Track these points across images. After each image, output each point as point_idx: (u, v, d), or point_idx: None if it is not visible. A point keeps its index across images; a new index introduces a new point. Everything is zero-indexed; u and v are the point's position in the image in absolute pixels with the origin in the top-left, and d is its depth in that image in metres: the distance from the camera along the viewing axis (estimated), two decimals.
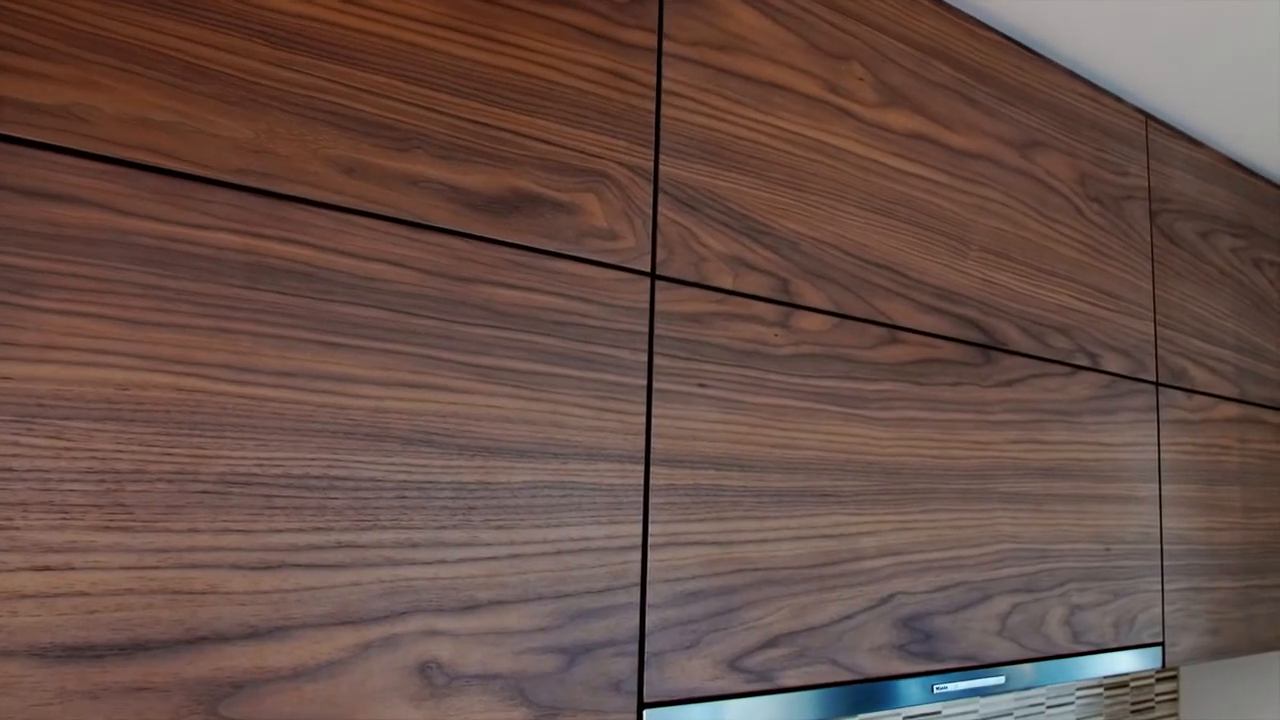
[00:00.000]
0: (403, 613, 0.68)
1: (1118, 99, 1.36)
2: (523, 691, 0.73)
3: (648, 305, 0.82)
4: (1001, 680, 1.08)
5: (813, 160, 0.97)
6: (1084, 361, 1.25)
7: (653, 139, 0.85)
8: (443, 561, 0.70)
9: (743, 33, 0.93)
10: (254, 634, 0.62)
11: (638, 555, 0.80)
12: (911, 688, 0.99)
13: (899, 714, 1.41)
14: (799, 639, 0.90)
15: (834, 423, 0.95)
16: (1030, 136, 1.21)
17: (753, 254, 0.91)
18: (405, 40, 0.72)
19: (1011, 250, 1.17)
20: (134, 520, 0.59)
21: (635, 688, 0.79)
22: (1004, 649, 1.09)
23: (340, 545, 0.66)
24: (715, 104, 0.90)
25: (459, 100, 0.74)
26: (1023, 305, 1.18)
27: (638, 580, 0.79)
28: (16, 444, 0.56)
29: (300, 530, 0.64)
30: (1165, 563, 1.33)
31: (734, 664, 0.85)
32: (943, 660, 1.02)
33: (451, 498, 0.71)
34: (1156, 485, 1.34)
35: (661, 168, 0.85)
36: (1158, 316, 1.38)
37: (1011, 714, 1.59)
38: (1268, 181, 1.69)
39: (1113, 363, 1.29)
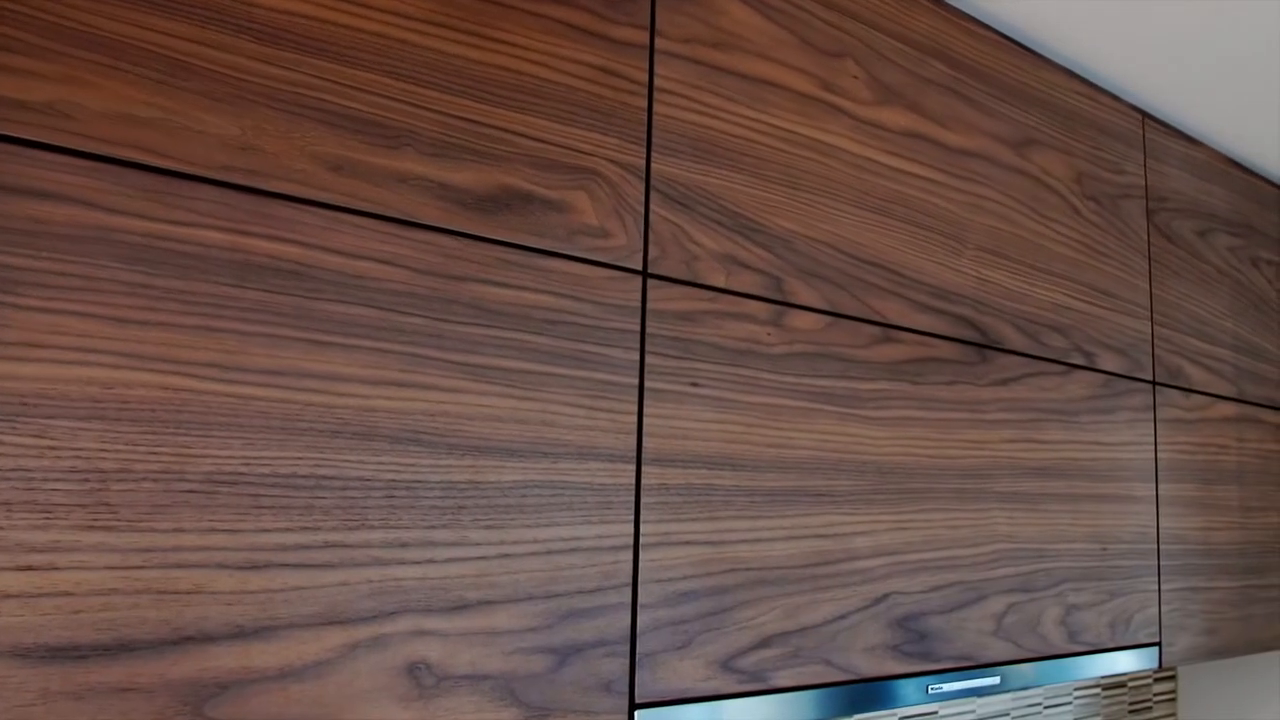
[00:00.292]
0: (391, 613, 0.67)
1: (1114, 97, 1.36)
2: (513, 692, 0.72)
3: (639, 304, 0.82)
4: (997, 680, 1.07)
5: (806, 158, 0.96)
6: (1080, 361, 1.25)
7: (644, 136, 0.84)
8: (432, 561, 0.69)
9: (736, 30, 0.92)
10: (240, 634, 0.62)
11: (629, 555, 0.79)
12: (906, 688, 0.99)
13: (895, 714, 1.41)
14: (792, 639, 0.89)
15: (828, 422, 0.95)
16: (1026, 135, 1.21)
17: (746, 252, 0.90)
18: (394, 37, 0.71)
19: (1007, 249, 1.16)
20: (119, 520, 0.58)
21: (627, 688, 0.78)
22: (999, 649, 1.08)
23: (328, 545, 0.65)
24: (708, 101, 0.89)
25: (448, 97, 0.73)
26: (1018, 304, 1.17)
27: (629, 580, 0.79)
28: (0, 443, 0.55)
29: (287, 530, 0.64)
30: (1162, 562, 1.33)
31: (727, 664, 0.84)
32: (938, 660, 1.02)
33: (440, 497, 0.70)
34: (1153, 485, 1.33)
35: (653, 165, 0.84)
36: (1155, 315, 1.38)
37: (1009, 714, 1.58)
38: (1265, 180, 1.69)
39: (1109, 362, 1.29)
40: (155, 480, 0.60)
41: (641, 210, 0.83)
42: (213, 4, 0.64)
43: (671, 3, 0.88)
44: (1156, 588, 1.31)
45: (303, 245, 0.66)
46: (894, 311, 1.03)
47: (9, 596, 0.55)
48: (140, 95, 0.61)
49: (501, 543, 0.73)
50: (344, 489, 0.66)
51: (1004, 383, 1.14)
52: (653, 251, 0.84)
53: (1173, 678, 1.94)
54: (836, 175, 0.99)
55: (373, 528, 0.67)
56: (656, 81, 0.86)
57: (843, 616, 0.93)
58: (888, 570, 0.98)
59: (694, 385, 0.85)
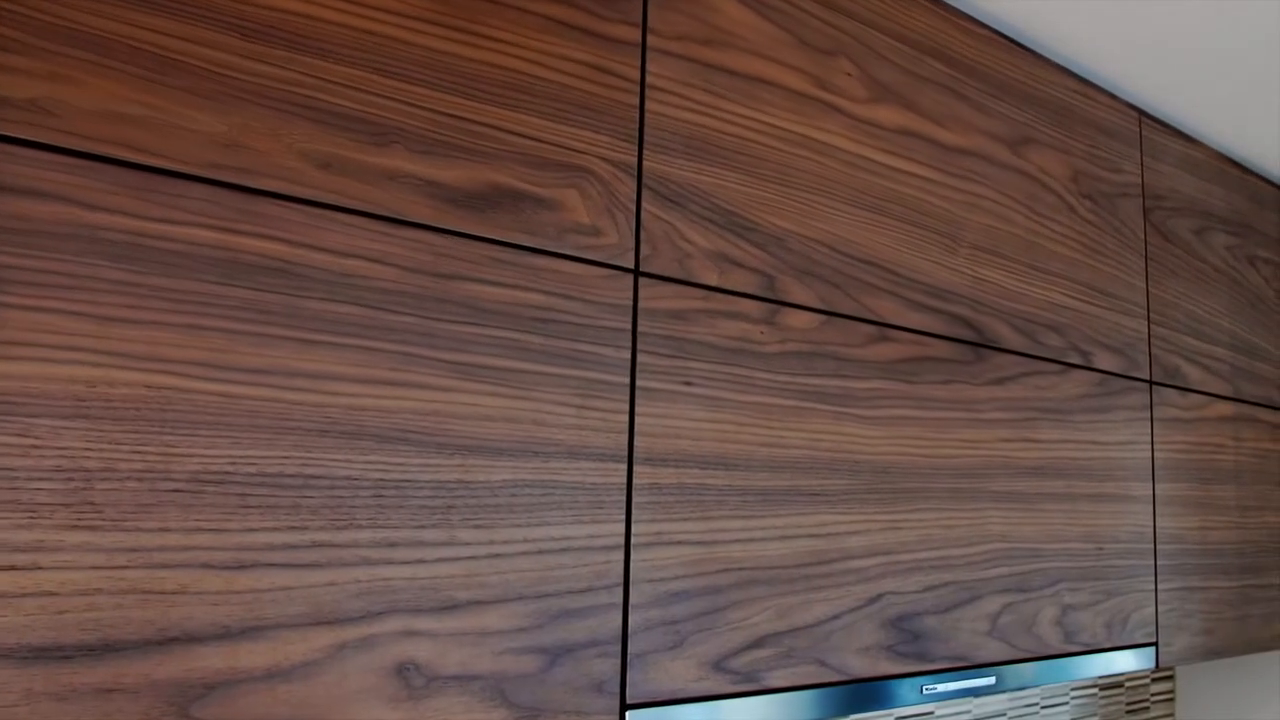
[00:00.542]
0: (380, 613, 0.67)
1: (1112, 96, 1.36)
2: (503, 692, 0.72)
3: (631, 302, 0.82)
4: (992, 681, 1.07)
5: (800, 156, 0.96)
6: (1076, 359, 1.24)
7: (636, 134, 0.84)
8: (421, 561, 0.69)
9: (729, 27, 0.92)
10: (227, 634, 0.61)
11: (620, 555, 0.79)
12: (901, 688, 0.98)
13: (890, 714, 1.40)
14: (785, 639, 0.89)
15: (822, 421, 0.94)
16: (1022, 133, 1.20)
17: (739, 250, 0.90)
18: (384, 34, 0.71)
19: (1003, 247, 1.16)
20: (103, 519, 0.58)
21: (618, 688, 0.78)
22: (995, 649, 1.08)
23: (316, 544, 0.65)
24: (700, 99, 0.89)
25: (438, 94, 0.73)
26: (1014, 303, 1.17)
27: (620, 580, 0.79)
28: None
29: (275, 529, 0.63)
30: (1159, 562, 1.33)
31: (719, 665, 0.84)
32: (932, 661, 1.01)
33: (430, 496, 0.70)
34: (1150, 484, 1.33)
35: (645, 163, 0.84)
36: (1151, 314, 1.37)
37: (1005, 714, 1.58)
38: (1263, 179, 1.68)
39: (1106, 361, 1.29)
40: (140, 479, 0.59)
41: (633, 208, 0.83)
42: (201, 0, 0.64)
43: (664, 0, 0.87)
44: (1153, 587, 1.31)
45: (291, 243, 0.66)
46: (889, 310, 1.02)
47: None
48: (127, 92, 0.61)
49: (491, 542, 0.72)
50: (332, 488, 0.66)
51: (1000, 382, 1.13)
52: (645, 250, 0.83)
53: (1170, 678, 1.93)
54: (831, 173, 0.98)
55: (361, 527, 0.67)
56: (649, 79, 0.85)
57: (836, 617, 0.93)
58: (882, 570, 0.97)
59: (686, 384, 0.85)
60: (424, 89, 0.72)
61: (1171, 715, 1.92)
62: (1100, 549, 1.23)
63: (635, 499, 0.80)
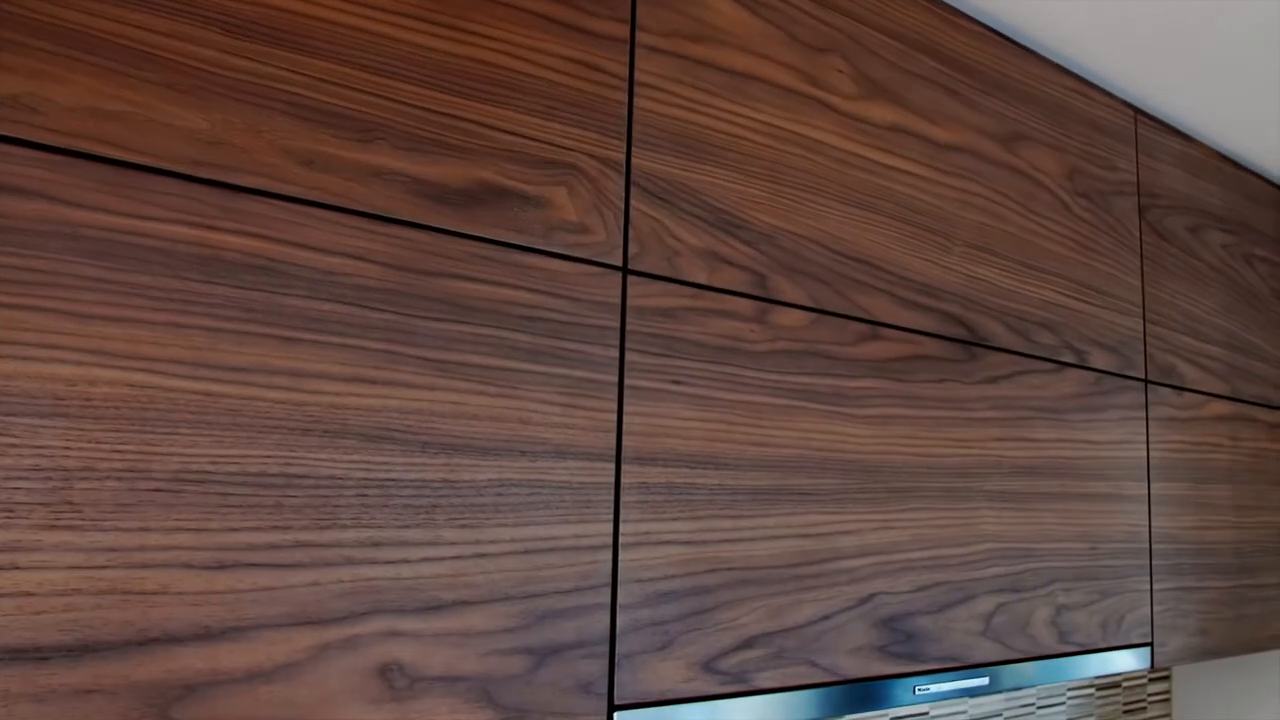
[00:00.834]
0: (363, 613, 0.66)
1: (1107, 93, 1.35)
2: (488, 693, 0.71)
3: (619, 300, 0.81)
4: (985, 681, 1.06)
5: (790, 153, 0.95)
6: (1070, 358, 1.24)
7: (624, 131, 0.83)
8: (405, 561, 0.68)
9: (719, 24, 0.91)
10: (207, 635, 0.61)
11: (608, 555, 0.78)
12: (893, 689, 0.98)
13: (884, 715, 1.40)
14: (776, 640, 0.88)
15: (812, 420, 0.94)
16: (1015, 130, 1.20)
17: (728, 248, 0.89)
18: (367, 30, 0.70)
19: (996, 245, 1.15)
20: (82, 519, 0.57)
21: (606, 689, 0.77)
22: (988, 649, 1.07)
23: (298, 544, 0.64)
24: (690, 96, 0.88)
25: (423, 91, 0.72)
26: (1007, 301, 1.16)
27: (608, 580, 0.78)
28: None
29: (256, 529, 0.63)
30: (1154, 562, 1.32)
31: (708, 665, 0.83)
32: (925, 661, 1.01)
33: (414, 496, 0.69)
34: (1145, 484, 1.32)
35: (634, 160, 0.83)
36: (1147, 313, 1.37)
37: (1001, 715, 1.57)
38: (1260, 177, 1.67)
39: (1100, 359, 1.28)
40: (120, 479, 0.59)
41: (621, 206, 0.82)
42: None
43: None
44: (1149, 587, 1.30)
45: (272, 240, 0.65)
46: (881, 309, 1.02)
47: None
48: (107, 88, 0.60)
49: (477, 542, 0.72)
50: (315, 488, 0.65)
51: (993, 380, 1.13)
52: (633, 247, 0.83)
53: (1167, 678, 1.93)
54: (821, 170, 0.98)
55: (344, 527, 0.66)
56: (637, 76, 0.85)
57: (827, 617, 0.92)
58: (873, 570, 0.97)
59: (675, 383, 0.84)
60: (409, 85, 0.72)
61: (1168, 715, 1.92)
62: (1095, 549, 1.23)
63: (623, 498, 0.80)
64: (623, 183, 0.83)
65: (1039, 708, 1.64)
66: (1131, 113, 1.39)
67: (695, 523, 0.84)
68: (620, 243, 0.82)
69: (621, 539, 0.79)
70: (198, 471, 0.61)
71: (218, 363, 0.62)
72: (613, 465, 0.79)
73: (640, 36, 0.85)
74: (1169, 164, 1.45)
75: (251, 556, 0.63)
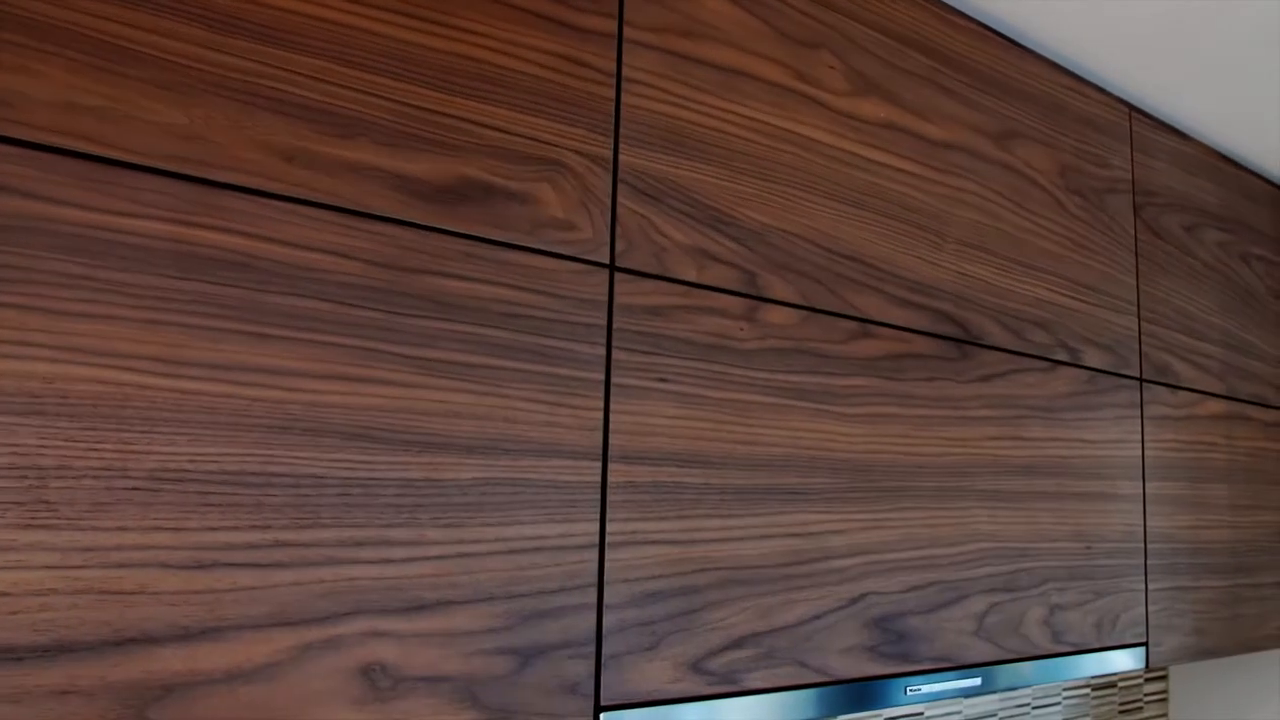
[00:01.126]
0: (345, 613, 0.66)
1: (1101, 90, 1.34)
2: (473, 694, 0.71)
3: (606, 298, 0.80)
4: (978, 682, 1.06)
5: (780, 150, 0.95)
6: (1064, 357, 1.23)
7: (612, 127, 0.83)
8: (388, 560, 0.68)
9: (708, 19, 0.90)
10: (186, 635, 0.60)
11: (594, 554, 0.78)
12: (884, 689, 0.97)
13: (878, 715, 1.39)
14: (765, 640, 0.88)
15: (802, 418, 0.93)
16: (1008, 127, 1.19)
17: (717, 245, 0.89)
18: (349, 25, 0.70)
19: (989, 243, 1.15)
20: (58, 518, 0.57)
21: (592, 690, 0.76)
22: (981, 650, 1.07)
23: (278, 544, 0.64)
24: (678, 92, 0.88)
25: (405, 86, 0.72)
26: (1000, 299, 1.15)
27: (594, 580, 0.77)
28: None
29: (235, 528, 0.62)
30: (1149, 561, 1.31)
31: (696, 666, 0.83)
32: (917, 661, 1.00)
33: (397, 495, 0.69)
34: (1140, 483, 1.31)
35: (621, 157, 0.83)
36: (1141, 311, 1.36)
37: (996, 715, 1.56)
38: (1256, 175, 1.67)
39: (1095, 358, 1.27)
40: (96, 477, 0.58)
41: (608, 202, 0.82)
42: None
43: None
44: (1143, 587, 1.30)
45: (251, 237, 0.64)
46: (871, 306, 1.01)
47: None
48: (84, 83, 0.60)
49: (461, 541, 0.71)
50: (295, 486, 0.65)
51: (986, 379, 1.12)
52: (620, 244, 0.82)
53: (1164, 678, 1.92)
54: (811, 167, 0.97)
55: (326, 526, 0.65)
56: (625, 71, 0.84)
57: (818, 617, 0.92)
58: (864, 570, 0.96)
59: (663, 381, 0.83)
60: (391, 80, 0.71)
61: (1165, 715, 1.91)
62: (1089, 548, 1.22)
63: (610, 497, 0.79)
64: (610, 179, 0.82)
65: (1034, 708, 1.63)
66: (1126, 110, 1.38)
67: (683, 522, 0.83)
68: (607, 239, 0.81)
69: (608, 538, 0.78)
70: (175, 470, 0.60)
71: (196, 360, 0.62)
72: (599, 464, 0.79)
73: (628, 32, 0.85)
74: (1164, 162, 1.45)
75: (231, 556, 0.62)
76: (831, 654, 0.92)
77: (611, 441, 0.79)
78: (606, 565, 0.78)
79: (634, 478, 0.81)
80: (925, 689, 1.01)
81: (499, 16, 0.77)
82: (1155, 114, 1.46)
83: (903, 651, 0.99)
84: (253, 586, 0.63)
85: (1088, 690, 1.74)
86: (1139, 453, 1.32)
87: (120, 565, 0.58)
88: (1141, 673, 1.85)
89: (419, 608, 0.69)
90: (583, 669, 0.76)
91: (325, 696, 0.64)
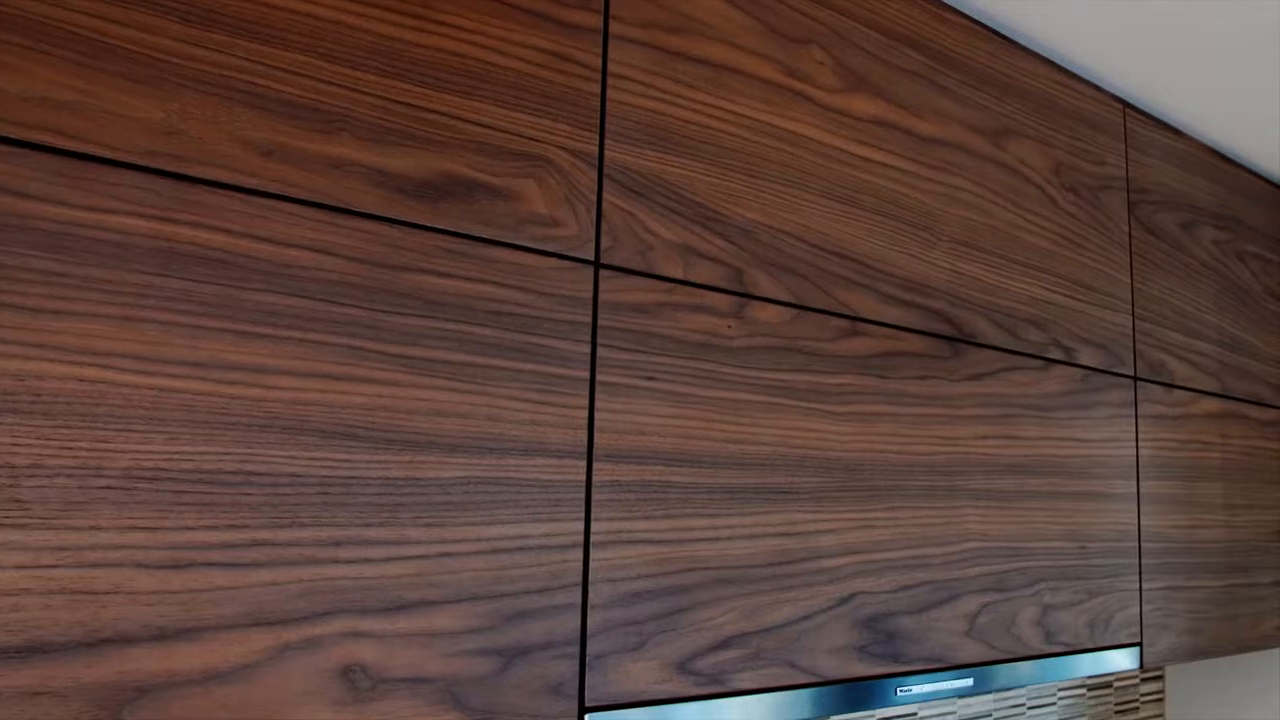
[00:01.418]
0: (324, 613, 0.65)
1: (1095, 87, 1.34)
2: (454, 695, 0.70)
3: (591, 295, 0.80)
4: (969, 682, 1.05)
5: (769, 146, 0.94)
6: (1058, 355, 1.22)
7: (598, 123, 0.82)
8: (368, 560, 0.67)
9: (696, 14, 0.90)
10: (161, 635, 0.59)
11: (579, 554, 0.77)
12: (874, 690, 0.96)
13: (871, 715, 1.38)
14: (753, 640, 0.87)
15: (791, 417, 0.92)
16: (1002, 124, 1.18)
17: (704, 242, 0.88)
18: (329, 19, 0.69)
19: (981, 240, 1.14)
20: (31, 517, 0.56)
21: (576, 691, 0.76)
22: (972, 650, 1.06)
23: (256, 543, 0.63)
24: (665, 88, 0.87)
25: (388, 81, 0.71)
26: (993, 297, 1.15)
27: (579, 580, 0.77)
28: None
29: (212, 528, 0.62)
30: (1143, 561, 1.30)
31: (683, 666, 0.82)
32: (907, 662, 0.99)
33: (378, 494, 0.68)
34: (1135, 482, 1.31)
35: (607, 153, 0.82)
36: (1136, 309, 1.35)
37: (991, 715, 1.56)
38: (1252, 173, 1.66)
39: (1088, 356, 1.27)
40: (70, 476, 0.57)
41: (594, 199, 0.81)
42: None
43: None
44: (1138, 587, 1.29)
45: (230, 233, 0.64)
46: (862, 304, 1.00)
47: None
48: (59, 77, 0.59)
49: (443, 541, 0.70)
50: (273, 485, 0.64)
51: (978, 378, 1.11)
52: (605, 241, 0.81)
53: (1160, 678, 1.91)
54: (801, 164, 0.96)
55: (304, 525, 0.65)
56: (611, 67, 0.83)
57: (807, 617, 0.91)
58: (854, 570, 0.95)
59: (649, 379, 0.83)
60: (373, 75, 0.70)
61: (1161, 716, 1.90)
62: (1083, 548, 1.21)
63: (595, 496, 0.78)
64: (595, 176, 0.81)
65: (1029, 708, 1.62)
66: (1121, 107, 1.37)
67: (670, 521, 0.83)
68: (592, 236, 0.80)
69: (593, 538, 0.78)
70: (151, 469, 0.60)
71: (172, 358, 0.61)
72: (584, 463, 0.78)
73: (614, 27, 0.84)
74: (1159, 159, 1.44)
75: (207, 555, 0.61)
76: (821, 654, 0.92)
77: (597, 440, 0.79)
78: (591, 565, 0.77)
79: (620, 476, 0.80)
80: (916, 689, 1.00)
81: (483, 11, 0.76)
82: (1150, 111, 1.45)
83: (893, 652, 0.98)
84: (230, 586, 0.62)
85: (1084, 690, 1.73)
86: (1133, 452, 1.31)
87: (94, 565, 0.58)
88: (1138, 673, 1.84)
89: (400, 608, 0.68)
90: (567, 669, 0.75)
91: (304, 697, 0.64)
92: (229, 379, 0.63)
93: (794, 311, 0.94)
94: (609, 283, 0.81)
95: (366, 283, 0.69)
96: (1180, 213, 1.46)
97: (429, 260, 0.72)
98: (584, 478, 0.78)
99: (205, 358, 0.62)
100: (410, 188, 0.71)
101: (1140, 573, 1.30)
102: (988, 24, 1.21)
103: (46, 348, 0.57)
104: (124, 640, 0.58)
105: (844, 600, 0.94)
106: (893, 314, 1.03)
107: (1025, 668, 1.11)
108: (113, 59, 0.61)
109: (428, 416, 0.70)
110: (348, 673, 0.66)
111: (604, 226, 0.81)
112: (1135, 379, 1.33)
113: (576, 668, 0.76)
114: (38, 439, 0.56)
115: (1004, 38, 1.20)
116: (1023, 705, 1.61)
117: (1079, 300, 1.26)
